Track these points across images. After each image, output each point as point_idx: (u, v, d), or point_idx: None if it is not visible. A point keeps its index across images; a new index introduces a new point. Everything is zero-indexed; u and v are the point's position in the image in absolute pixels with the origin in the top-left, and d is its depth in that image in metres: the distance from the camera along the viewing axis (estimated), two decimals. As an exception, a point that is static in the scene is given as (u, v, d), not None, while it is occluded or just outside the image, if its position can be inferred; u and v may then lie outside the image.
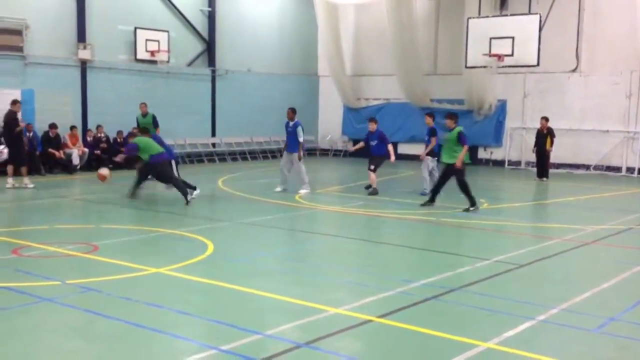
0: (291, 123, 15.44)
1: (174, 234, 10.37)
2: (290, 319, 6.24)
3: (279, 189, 15.36)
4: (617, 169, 21.05)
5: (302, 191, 15.16)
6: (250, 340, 5.65)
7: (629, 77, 20.62)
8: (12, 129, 15.08)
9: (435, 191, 13.55)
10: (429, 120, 15.53)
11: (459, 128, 12.95)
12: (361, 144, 15.68)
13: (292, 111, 15.60)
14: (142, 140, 13.65)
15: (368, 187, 15.46)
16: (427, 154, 15.16)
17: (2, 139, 16.69)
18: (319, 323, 6.17)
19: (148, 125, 16.39)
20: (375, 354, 5.51)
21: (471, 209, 12.89)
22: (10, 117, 15.13)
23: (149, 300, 6.72)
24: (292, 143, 15.29)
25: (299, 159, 15.14)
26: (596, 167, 21.37)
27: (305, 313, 6.41)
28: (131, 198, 13.72)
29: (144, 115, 17.24)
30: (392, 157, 15.35)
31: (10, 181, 15.23)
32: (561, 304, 6.82)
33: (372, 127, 15.35)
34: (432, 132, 15.19)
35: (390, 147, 15.32)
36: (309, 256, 9.51)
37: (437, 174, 15.03)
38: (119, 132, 20.17)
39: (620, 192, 17.07)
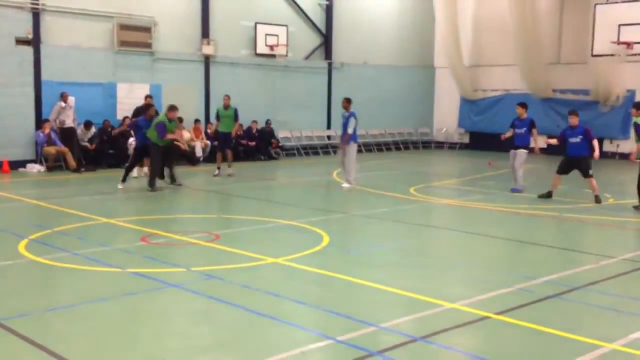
0: (346, 113, 15.02)
1: (290, 225, 10.61)
2: (405, 312, 6.24)
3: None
4: None
5: (345, 185, 14.88)
6: (366, 332, 5.70)
7: None
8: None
9: None
10: (521, 110, 14.19)
11: (635, 119, 12.12)
12: (554, 141, 13.64)
13: (347, 101, 15.07)
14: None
15: (595, 199, 12.97)
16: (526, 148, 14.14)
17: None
18: (435, 317, 6.13)
19: (228, 118, 16.73)
20: (493, 351, 5.40)
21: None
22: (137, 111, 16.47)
23: (268, 289, 6.93)
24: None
25: (344, 148, 14.76)
26: None
27: (421, 307, 6.39)
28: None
29: (226, 107, 16.88)
30: (597, 153, 13.06)
31: (135, 171, 16.22)
32: (696, 308, 6.40)
33: (574, 121, 13.16)
34: (531, 124, 14.14)
35: (595, 144, 13.05)
36: (424, 249, 9.45)
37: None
38: (239, 125, 20.79)
39: None
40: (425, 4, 25.95)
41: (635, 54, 18.67)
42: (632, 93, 21.59)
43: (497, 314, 6.17)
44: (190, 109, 20.41)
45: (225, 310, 6.31)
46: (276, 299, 6.65)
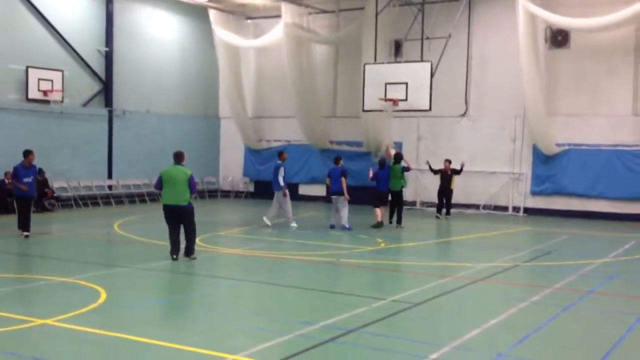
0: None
1: (63, 282, 9.94)
2: (186, 368, 6.12)
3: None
4: (504, 209, 22.05)
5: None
6: (144, 392, 5.49)
7: (513, 122, 21.82)
8: None
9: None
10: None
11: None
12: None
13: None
14: None
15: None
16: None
17: None
18: (216, 371, 6.08)
19: None
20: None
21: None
22: None
23: (36, 355, 6.39)
24: None
25: None
26: (485, 207, 22.28)
27: (202, 361, 6.30)
28: None
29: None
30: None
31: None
32: (452, 342, 7.05)
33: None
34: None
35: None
36: (207, 302, 9.35)
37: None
38: (7, 174, 19.21)
39: (507, 230, 17.91)
40: (209, 54, 26.28)
41: (400, 110, 20.51)
42: (398, 145, 23.63)
43: (277, 362, 6.28)
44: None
45: (-17, 382, 5.71)
46: (45, 364, 6.16)
